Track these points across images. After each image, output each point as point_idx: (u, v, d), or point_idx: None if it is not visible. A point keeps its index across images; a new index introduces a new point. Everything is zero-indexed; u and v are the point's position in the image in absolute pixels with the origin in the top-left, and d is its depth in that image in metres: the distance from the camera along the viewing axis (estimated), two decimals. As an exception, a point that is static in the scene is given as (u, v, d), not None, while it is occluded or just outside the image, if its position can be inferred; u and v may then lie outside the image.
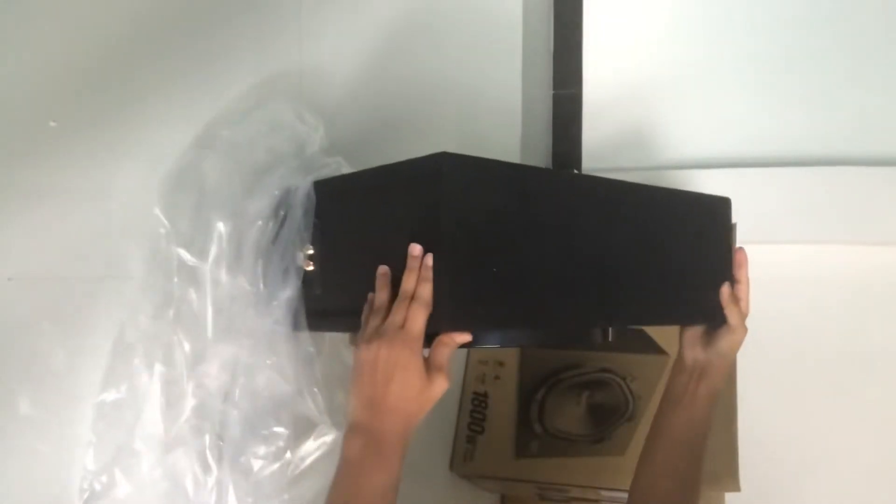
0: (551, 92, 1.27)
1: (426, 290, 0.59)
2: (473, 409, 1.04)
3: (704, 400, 0.75)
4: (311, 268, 0.68)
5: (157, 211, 0.65)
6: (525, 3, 1.04)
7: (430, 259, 0.60)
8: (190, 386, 0.65)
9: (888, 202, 1.10)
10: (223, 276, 0.66)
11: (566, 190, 0.65)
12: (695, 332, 0.78)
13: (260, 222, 0.69)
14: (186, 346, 0.65)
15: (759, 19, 1.20)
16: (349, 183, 0.69)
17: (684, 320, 0.77)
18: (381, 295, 0.62)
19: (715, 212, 0.80)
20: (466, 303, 0.59)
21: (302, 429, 0.69)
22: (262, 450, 0.66)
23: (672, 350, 1.00)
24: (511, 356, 1.05)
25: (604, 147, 1.24)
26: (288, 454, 0.67)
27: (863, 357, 1.11)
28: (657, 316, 0.74)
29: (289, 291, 0.67)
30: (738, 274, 0.80)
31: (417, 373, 0.59)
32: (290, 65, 0.83)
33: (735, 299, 0.78)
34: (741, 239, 0.93)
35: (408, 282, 0.60)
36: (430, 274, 0.60)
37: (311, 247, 0.69)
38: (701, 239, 0.77)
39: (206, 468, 0.65)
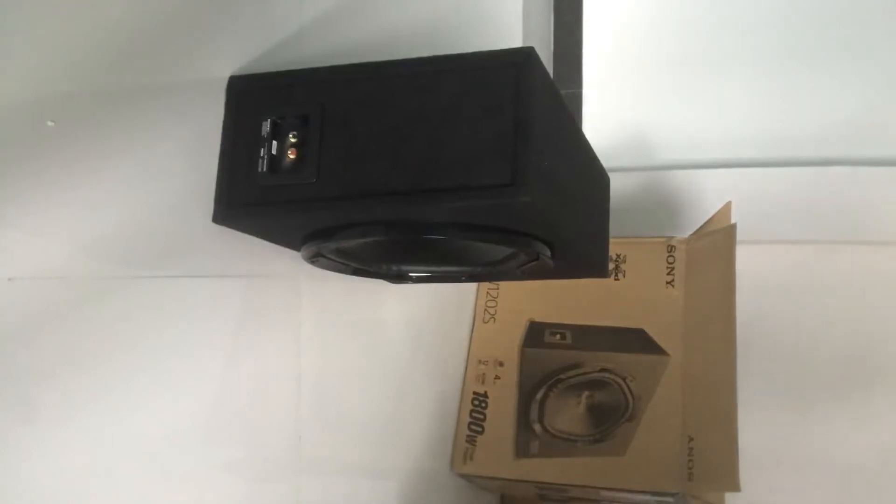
0: (551, 92, 1.27)
1: None
2: (473, 409, 1.04)
3: None
4: (293, 156, 0.67)
5: None
6: (525, 3, 1.04)
7: None
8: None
9: (888, 202, 1.10)
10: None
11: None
12: None
13: None
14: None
15: (760, 19, 1.20)
16: (387, 70, 0.67)
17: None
18: None
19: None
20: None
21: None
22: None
23: (672, 350, 1.00)
24: (511, 356, 1.05)
25: (604, 147, 1.23)
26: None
27: (863, 357, 1.11)
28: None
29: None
30: None
31: None
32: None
33: None
34: (741, 239, 0.93)
35: None
36: None
37: (294, 134, 0.67)
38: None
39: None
